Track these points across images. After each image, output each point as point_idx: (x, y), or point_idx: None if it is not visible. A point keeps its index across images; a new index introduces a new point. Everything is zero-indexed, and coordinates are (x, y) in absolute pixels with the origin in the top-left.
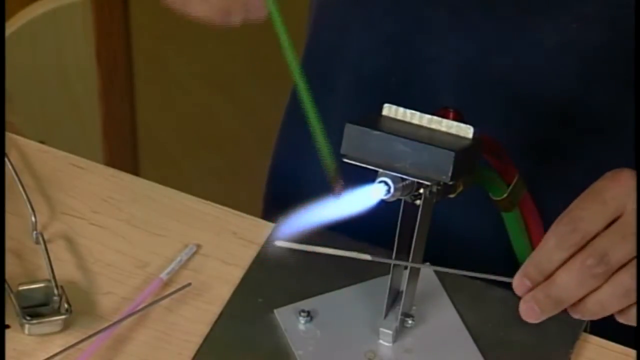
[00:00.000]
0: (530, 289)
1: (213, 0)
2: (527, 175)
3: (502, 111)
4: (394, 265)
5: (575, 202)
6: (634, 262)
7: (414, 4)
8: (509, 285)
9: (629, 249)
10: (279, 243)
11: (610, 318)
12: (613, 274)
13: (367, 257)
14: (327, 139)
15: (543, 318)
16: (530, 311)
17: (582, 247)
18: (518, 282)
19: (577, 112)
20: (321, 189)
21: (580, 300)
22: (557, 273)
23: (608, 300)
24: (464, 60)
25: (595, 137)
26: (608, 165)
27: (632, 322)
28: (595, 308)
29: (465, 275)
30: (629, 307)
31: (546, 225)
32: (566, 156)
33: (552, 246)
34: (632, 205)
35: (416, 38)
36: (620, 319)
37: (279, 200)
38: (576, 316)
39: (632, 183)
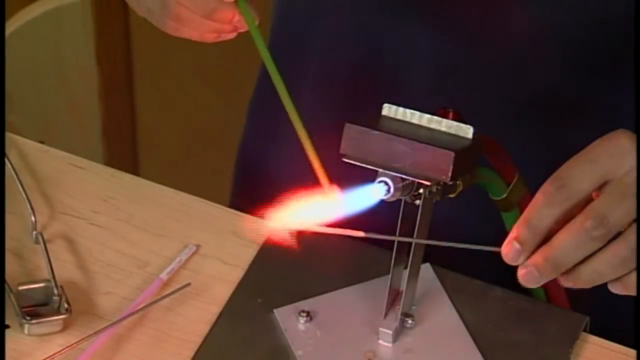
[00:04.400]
0: (520, 252)
1: (203, 26)
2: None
3: (475, 97)
4: (394, 265)
5: (567, 161)
6: (631, 229)
7: (374, 6)
8: (508, 286)
9: (628, 210)
10: (272, 224)
11: (610, 318)
12: (611, 240)
13: (361, 234)
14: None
15: (542, 282)
16: (529, 275)
17: (574, 207)
18: (508, 247)
19: (557, 97)
20: (289, 175)
21: (575, 268)
22: (556, 236)
23: (604, 269)
24: (436, 47)
25: (576, 122)
26: None
27: (630, 291)
28: (592, 277)
29: (453, 247)
30: (625, 275)
31: None
32: (548, 142)
33: (540, 204)
34: (631, 164)
35: (386, 25)
36: (615, 289)
37: (246, 187)
38: (568, 284)
39: (627, 142)
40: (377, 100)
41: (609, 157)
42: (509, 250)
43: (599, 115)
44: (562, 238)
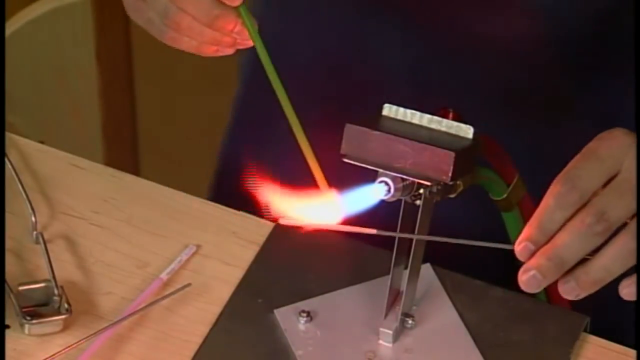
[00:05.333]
0: (533, 254)
1: (202, 36)
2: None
3: (447, 98)
4: (394, 265)
5: (571, 162)
6: (634, 221)
7: (356, 12)
8: (508, 286)
9: (627, 206)
10: (283, 221)
11: (610, 318)
12: (614, 234)
13: (373, 231)
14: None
15: (544, 285)
16: (532, 280)
17: (582, 206)
18: (521, 247)
19: (525, 102)
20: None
21: (583, 266)
22: (557, 235)
23: (612, 263)
24: (413, 60)
25: (569, 123)
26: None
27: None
28: (600, 273)
29: (462, 245)
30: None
31: None
32: (535, 145)
33: (552, 206)
34: (629, 162)
35: (365, 24)
36: (630, 291)
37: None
38: (572, 293)
39: (627, 140)
40: (358, 100)
41: (612, 155)
42: (522, 249)
43: (594, 117)
44: (564, 236)
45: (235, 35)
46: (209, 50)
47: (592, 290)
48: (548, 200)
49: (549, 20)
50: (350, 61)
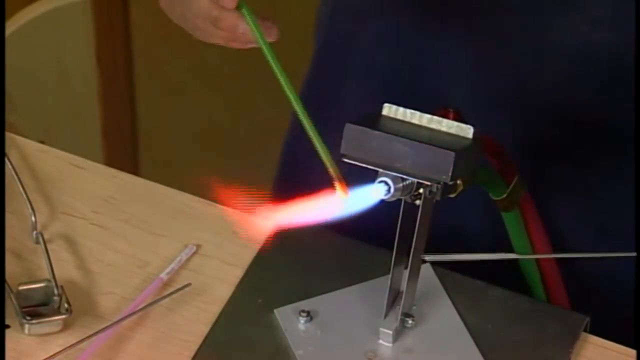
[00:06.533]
0: None
1: (216, 35)
2: (529, 176)
3: (512, 110)
4: (394, 265)
5: None
6: None
7: (419, 22)
8: (508, 286)
9: None
10: (429, 258)
11: (610, 318)
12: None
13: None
14: (326, 146)
15: None
16: None
17: None
18: None
19: (585, 114)
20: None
21: None
22: None
23: None
24: (475, 55)
25: (607, 141)
26: (622, 170)
27: None
28: None
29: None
30: None
31: (551, 228)
32: (575, 159)
33: None
34: None
35: (430, 30)
36: None
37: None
38: None
39: None
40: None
41: None
42: None
43: (626, 132)
44: None
45: (240, 34)
46: (237, 45)
47: None
48: None
49: (608, 34)
50: (410, 50)
